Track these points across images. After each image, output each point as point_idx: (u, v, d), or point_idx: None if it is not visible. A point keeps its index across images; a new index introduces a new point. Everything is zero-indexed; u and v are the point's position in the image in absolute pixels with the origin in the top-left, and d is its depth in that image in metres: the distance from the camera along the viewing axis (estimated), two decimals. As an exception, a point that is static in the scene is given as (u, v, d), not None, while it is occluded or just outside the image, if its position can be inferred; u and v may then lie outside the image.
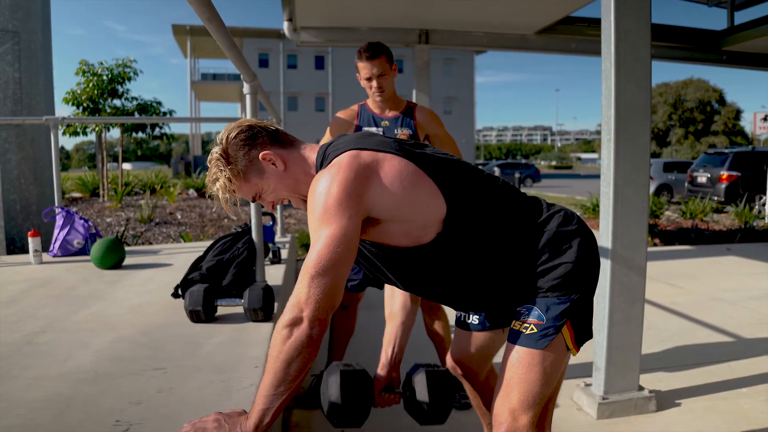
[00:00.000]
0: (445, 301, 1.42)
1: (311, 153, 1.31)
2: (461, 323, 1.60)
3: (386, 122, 2.49)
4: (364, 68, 2.39)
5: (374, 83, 2.40)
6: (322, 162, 1.26)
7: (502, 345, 1.60)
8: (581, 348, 1.31)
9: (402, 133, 2.46)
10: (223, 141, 1.27)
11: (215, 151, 1.27)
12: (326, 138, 2.50)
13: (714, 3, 6.67)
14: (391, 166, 1.19)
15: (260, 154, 1.26)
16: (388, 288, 1.61)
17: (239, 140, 1.27)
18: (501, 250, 1.27)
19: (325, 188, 1.13)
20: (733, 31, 6.43)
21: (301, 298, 1.09)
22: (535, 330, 1.25)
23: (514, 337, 1.28)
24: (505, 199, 1.30)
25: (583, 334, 1.30)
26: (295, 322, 1.09)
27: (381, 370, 1.51)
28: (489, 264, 1.28)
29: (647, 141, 2.40)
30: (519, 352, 1.26)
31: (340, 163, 1.16)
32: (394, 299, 1.57)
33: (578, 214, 1.46)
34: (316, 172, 1.27)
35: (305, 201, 1.25)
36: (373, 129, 2.47)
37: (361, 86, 2.48)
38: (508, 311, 1.35)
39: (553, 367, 1.26)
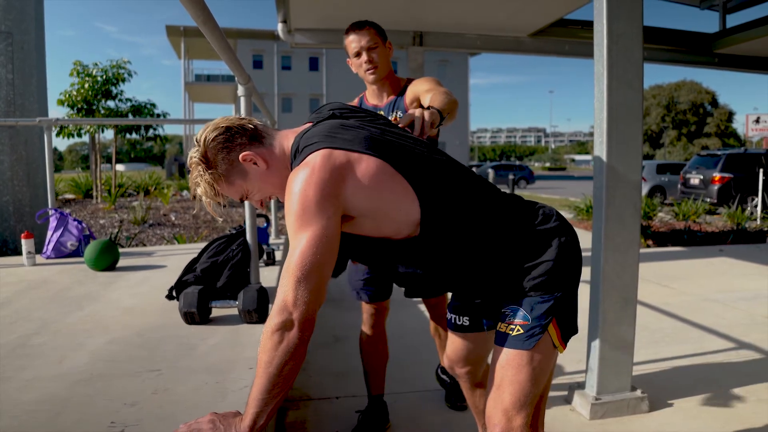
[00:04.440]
0: (426, 290, 1.42)
1: (288, 143, 1.29)
2: (453, 326, 1.61)
3: (381, 112, 2.24)
4: (352, 42, 2.13)
5: (364, 57, 2.12)
6: (296, 154, 1.23)
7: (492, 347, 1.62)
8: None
9: (393, 117, 2.19)
10: (201, 144, 1.24)
11: (194, 155, 1.24)
12: None
13: (706, 6, 6.72)
14: (364, 167, 1.16)
15: (240, 156, 1.23)
16: None
17: (217, 143, 1.23)
18: (479, 249, 1.27)
19: (301, 190, 1.11)
20: (724, 34, 6.48)
21: (288, 302, 1.08)
22: (522, 331, 1.26)
23: (502, 339, 1.29)
24: (484, 198, 1.29)
25: (568, 330, 1.31)
26: (286, 326, 1.08)
27: None
28: (466, 263, 1.28)
29: (639, 143, 2.42)
30: (507, 354, 1.27)
31: (313, 165, 1.14)
32: None
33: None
34: (291, 165, 1.25)
35: None
36: None
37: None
38: (492, 309, 1.35)
39: (542, 366, 1.27)
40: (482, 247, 1.27)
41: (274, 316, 1.09)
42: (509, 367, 1.26)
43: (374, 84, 2.22)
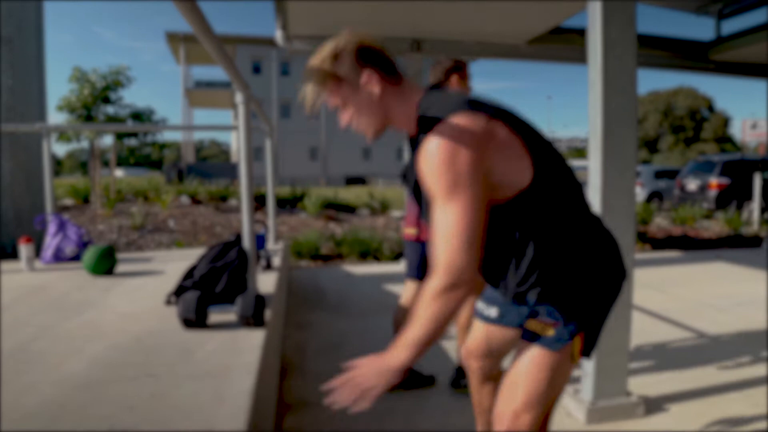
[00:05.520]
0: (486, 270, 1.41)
1: (415, 95, 1.29)
2: (480, 315, 1.65)
3: None
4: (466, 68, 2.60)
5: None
6: (428, 111, 1.24)
7: (514, 347, 1.63)
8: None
9: None
10: (341, 42, 1.26)
11: (326, 50, 1.26)
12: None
13: (702, 12, 6.79)
14: (500, 132, 1.19)
15: (365, 73, 1.25)
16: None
17: (355, 50, 1.25)
18: (556, 232, 1.27)
19: (450, 154, 1.13)
20: (719, 41, 6.55)
21: (455, 264, 1.12)
22: (553, 333, 1.29)
23: (531, 337, 1.32)
24: (577, 193, 1.33)
25: (588, 348, 1.35)
26: (454, 287, 1.13)
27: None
28: (543, 242, 1.28)
29: (634, 149, 2.44)
30: (533, 352, 1.31)
31: (461, 128, 1.15)
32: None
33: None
34: (418, 120, 1.25)
35: (379, 132, 1.30)
36: None
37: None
38: (522, 307, 1.38)
39: (562, 370, 1.31)
40: (561, 230, 1.28)
41: (442, 277, 1.14)
42: (531, 363, 1.30)
43: None
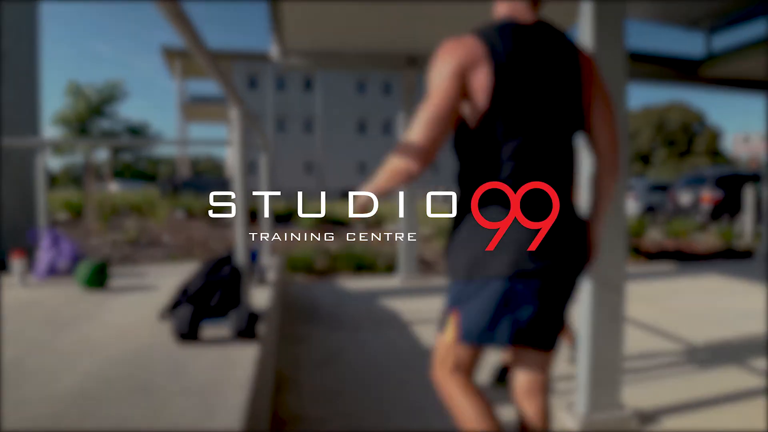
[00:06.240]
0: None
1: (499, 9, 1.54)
2: None
3: None
4: None
5: None
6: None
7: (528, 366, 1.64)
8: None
9: None
10: None
11: None
12: None
13: (693, 27, 6.91)
14: (485, 72, 1.37)
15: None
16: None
17: None
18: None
19: (439, 56, 1.41)
20: (709, 58, 6.67)
21: (410, 139, 1.35)
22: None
23: None
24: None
25: (474, 330, 1.45)
26: (404, 157, 1.37)
27: None
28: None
29: (625, 164, 2.47)
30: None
31: (462, 37, 1.41)
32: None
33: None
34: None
35: None
36: None
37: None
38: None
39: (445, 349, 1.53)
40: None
41: (402, 145, 1.36)
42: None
43: None
